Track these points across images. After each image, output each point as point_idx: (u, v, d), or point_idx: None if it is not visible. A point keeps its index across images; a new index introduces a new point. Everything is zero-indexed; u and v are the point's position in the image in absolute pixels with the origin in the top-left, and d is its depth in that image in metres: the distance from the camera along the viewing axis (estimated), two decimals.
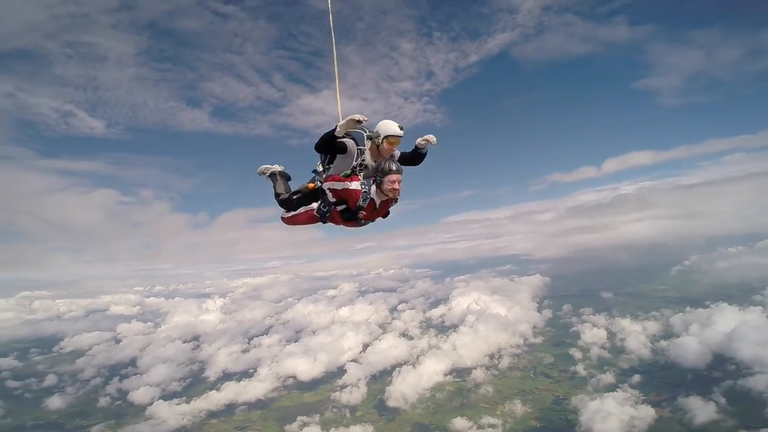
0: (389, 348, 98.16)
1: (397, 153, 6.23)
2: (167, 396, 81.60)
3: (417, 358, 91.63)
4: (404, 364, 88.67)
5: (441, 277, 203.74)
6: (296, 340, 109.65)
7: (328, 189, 5.76)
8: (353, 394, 79.04)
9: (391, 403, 74.45)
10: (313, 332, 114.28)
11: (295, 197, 6.32)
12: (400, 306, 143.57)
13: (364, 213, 5.72)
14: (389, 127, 5.80)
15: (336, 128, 5.45)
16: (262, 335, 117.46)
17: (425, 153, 6.36)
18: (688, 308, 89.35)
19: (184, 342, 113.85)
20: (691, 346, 72.88)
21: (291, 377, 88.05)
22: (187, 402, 78.03)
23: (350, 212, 5.73)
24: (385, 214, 6.18)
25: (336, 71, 6.43)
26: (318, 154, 6.34)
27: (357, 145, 5.95)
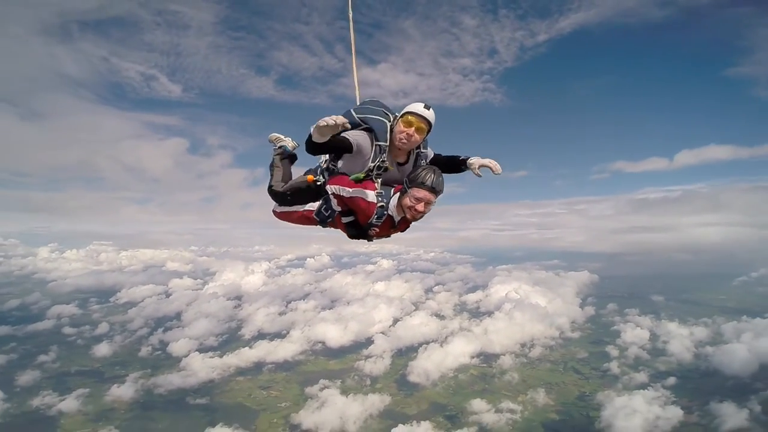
0: (419, 325, 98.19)
1: (430, 152, 4.77)
2: (203, 349, 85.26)
3: (445, 338, 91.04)
4: (432, 342, 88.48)
5: (483, 265, 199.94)
6: (330, 308, 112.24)
7: (333, 194, 4.41)
8: (377, 365, 79.88)
9: (412, 378, 74.57)
10: (348, 303, 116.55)
11: (289, 192, 4.92)
12: (436, 288, 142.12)
13: (377, 230, 4.50)
14: (411, 104, 4.34)
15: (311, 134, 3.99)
16: (300, 300, 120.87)
17: (467, 169, 4.73)
18: (744, 317, 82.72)
19: (228, 299, 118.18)
20: (739, 354, 67.94)
21: (320, 342, 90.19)
22: (220, 356, 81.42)
23: (359, 228, 4.53)
24: (406, 227, 4.76)
25: (354, 48, 5.38)
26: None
27: (376, 140, 4.33)
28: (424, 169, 4.15)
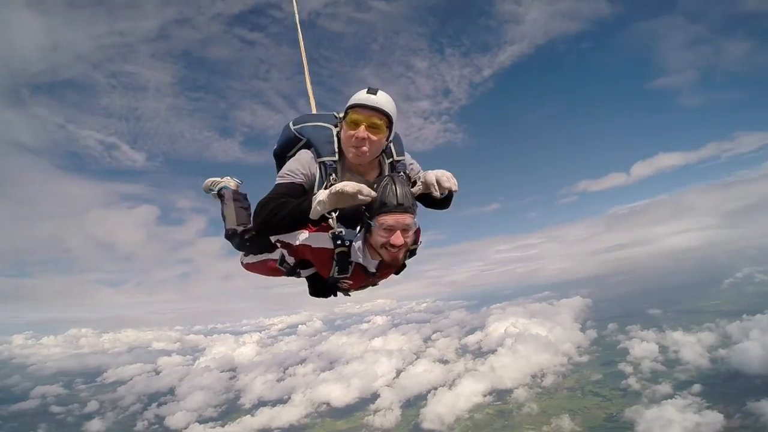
0: (423, 372, 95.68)
1: (410, 159, 3.41)
2: (203, 420, 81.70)
3: (453, 380, 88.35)
4: (440, 386, 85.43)
5: (476, 307, 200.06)
6: (330, 369, 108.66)
7: (276, 242, 3.27)
8: (387, 418, 76.26)
9: (426, 425, 71.24)
10: (347, 362, 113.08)
11: (247, 236, 3.57)
12: (434, 335, 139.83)
13: (350, 283, 3.23)
14: (353, 97, 2.99)
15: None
16: (297, 365, 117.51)
17: (444, 197, 3.14)
18: (744, 317, 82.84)
19: (222, 372, 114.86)
20: (754, 351, 67.24)
21: (324, 404, 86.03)
22: (222, 426, 77.74)
23: (322, 283, 3.31)
24: (400, 269, 3.36)
25: (304, 55, 4.63)
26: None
27: (317, 156, 3.10)
28: (380, 185, 2.73)
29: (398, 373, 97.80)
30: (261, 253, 3.57)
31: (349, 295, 3.55)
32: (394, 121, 2.99)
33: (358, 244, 2.93)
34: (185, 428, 77.19)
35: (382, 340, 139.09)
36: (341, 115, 3.10)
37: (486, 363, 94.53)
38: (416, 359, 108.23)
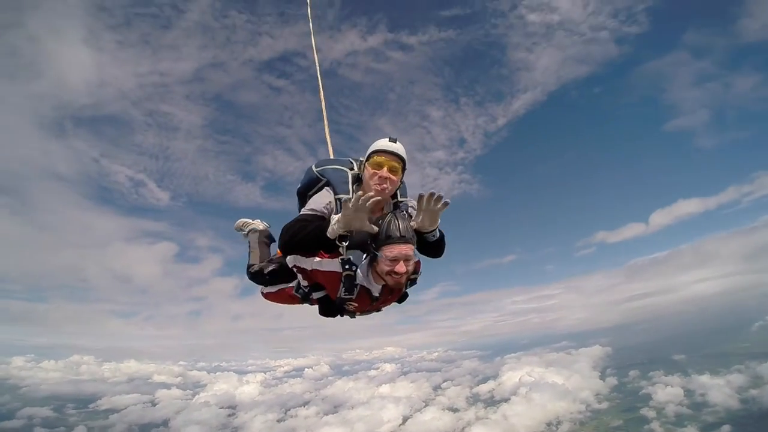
0: (431, 420, 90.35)
1: (411, 202, 3.88)
2: None
3: (463, 429, 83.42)
4: None
5: (490, 357, 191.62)
6: (334, 413, 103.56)
7: (293, 267, 3.72)
8: None
9: None
10: (352, 406, 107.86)
11: (267, 271, 4.16)
12: (444, 384, 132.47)
13: (355, 305, 3.65)
14: (374, 143, 3.71)
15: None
16: (300, 407, 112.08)
17: (437, 239, 3.61)
18: None
19: (221, 408, 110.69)
20: None
21: None
22: None
23: (330, 304, 3.75)
24: (401, 298, 3.92)
25: (323, 96, 5.29)
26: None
27: (335, 193, 3.70)
28: (384, 220, 3.29)
29: (405, 420, 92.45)
30: (278, 284, 4.20)
31: (354, 317, 3.92)
32: (406, 166, 3.73)
33: (363, 268, 3.46)
34: None
35: (390, 386, 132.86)
36: (360, 159, 3.85)
37: (498, 411, 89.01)
38: (425, 407, 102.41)
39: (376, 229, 3.22)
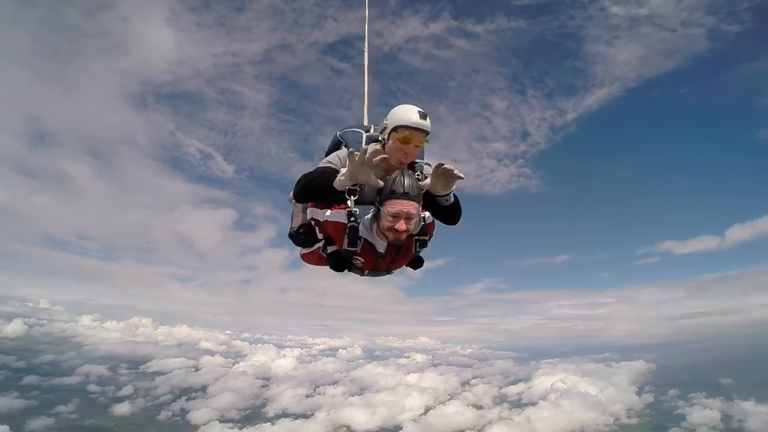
0: (453, 413, 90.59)
1: (427, 167, 3.90)
2: (224, 420, 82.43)
3: (483, 426, 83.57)
4: (467, 430, 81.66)
5: (525, 360, 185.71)
6: (360, 395, 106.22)
7: (311, 219, 3.93)
8: None
9: None
10: (378, 391, 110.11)
11: (302, 230, 4.27)
12: (473, 380, 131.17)
13: (362, 261, 3.73)
14: (401, 113, 3.61)
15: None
16: (328, 385, 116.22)
17: (451, 204, 3.74)
18: None
19: (256, 378, 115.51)
20: None
21: (345, 426, 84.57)
22: (240, 428, 78.11)
23: (338, 257, 3.81)
24: (416, 262, 4.06)
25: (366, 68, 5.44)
26: None
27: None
28: (391, 177, 3.34)
29: (427, 410, 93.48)
30: (312, 245, 4.25)
31: (363, 275, 3.98)
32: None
33: (366, 222, 3.53)
34: (204, 424, 77.99)
35: (417, 376, 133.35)
36: (381, 126, 3.85)
37: (523, 414, 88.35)
38: (449, 400, 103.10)
39: (381, 183, 3.29)
